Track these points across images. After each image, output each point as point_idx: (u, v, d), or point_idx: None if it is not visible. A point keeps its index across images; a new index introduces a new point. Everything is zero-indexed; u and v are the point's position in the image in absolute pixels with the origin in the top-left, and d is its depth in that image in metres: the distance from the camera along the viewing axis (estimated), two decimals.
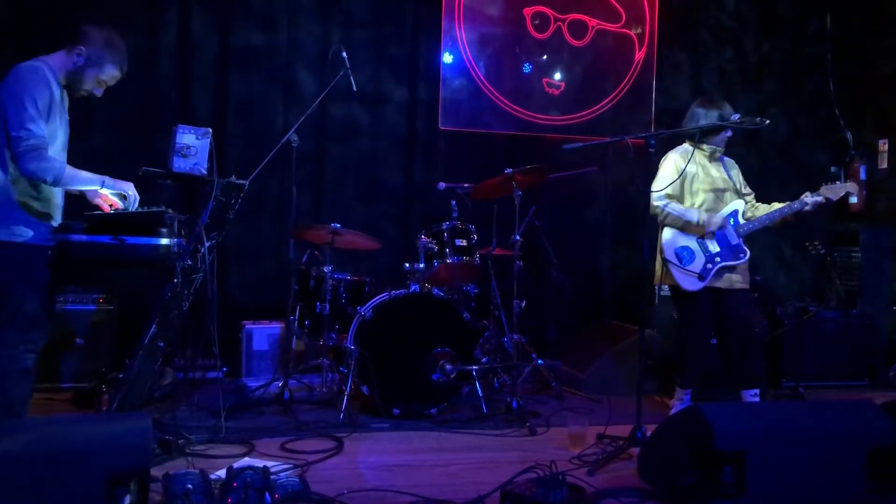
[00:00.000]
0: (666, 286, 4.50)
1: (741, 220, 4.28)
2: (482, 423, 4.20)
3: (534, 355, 5.03)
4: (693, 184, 4.31)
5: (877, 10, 6.41)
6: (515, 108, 5.94)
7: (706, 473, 2.83)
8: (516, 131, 5.95)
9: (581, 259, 5.98)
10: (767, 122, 3.99)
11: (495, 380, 4.92)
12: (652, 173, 4.27)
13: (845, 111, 6.45)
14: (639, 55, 6.17)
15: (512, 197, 4.61)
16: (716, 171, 4.36)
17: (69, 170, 3.20)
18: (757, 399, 4.26)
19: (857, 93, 6.51)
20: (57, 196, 3.35)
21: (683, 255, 4.27)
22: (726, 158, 4.47)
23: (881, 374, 5.61)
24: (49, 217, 3.28)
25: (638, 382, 3.82)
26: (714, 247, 4.25)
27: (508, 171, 4.57)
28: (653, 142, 3.82)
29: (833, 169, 6.49)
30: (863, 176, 6.31)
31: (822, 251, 5.82)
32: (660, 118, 6.19)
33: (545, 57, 6.01)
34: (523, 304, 4.80)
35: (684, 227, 4.26)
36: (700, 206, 4.29)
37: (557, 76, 6.04)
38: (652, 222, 4.34)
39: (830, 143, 6.51)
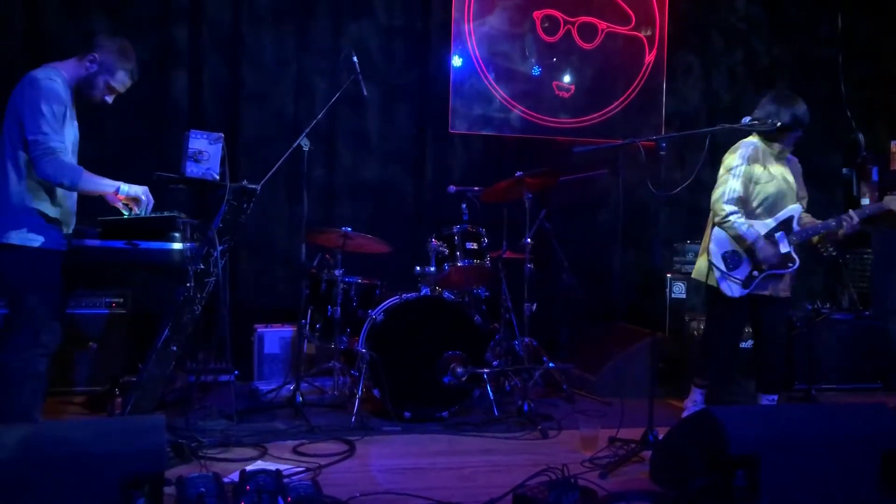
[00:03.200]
0: (682, 284, 4.41)
1: (797, 227, 4.10)
2: (494, 426, 4.20)
3: (545, 358, 5.03)
4: (757, 184, 4.09)
5: (888, 12, 6.38)
6: (525, 110, 5.94)
7: (719, 477, 2.82)
8: (526, 134, 5.95)
9: (592, 262, 5.97)
10: (779, 124, 3.96)
11: (506, 383, 4.92)
12: (663, 176, 4.15)
13: (857, 113, 6.42)
14: (649, 58, 6.16)
15: (522, 200, 4.62)
16: (780, 172, 4.14)
17: (86, 174, 3.22)
18: (774, 405, 4.22)
19: (869, 94, 6.48)
20: (71, 201, 3.39)
21: (730, 260, 4.10)
22: (793, 158, 4.27)
23: (894, 376, 5.58)
24: (62, 223, 3.31)
25: (650, 385, 3.82)
26: None
27: (519, 174, 4.57)
28: (664, 144, 3.81)
29: (845, 171, 6.47)
30: (875, 177, 6.27)
31: (834, 253, 5.80)
32: (670, 120, 6.18)
33: (555, 60, 6.01)
34: (534, 307, 4.80)
35: (737, 239, 4.08)
36: (759, 206, 4.08)
37: (567, 79, 6.04)
38: (662, 226, 4.31)
39: (842, 144, 6.48)
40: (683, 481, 2.95)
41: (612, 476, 3.39)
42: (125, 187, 3.31)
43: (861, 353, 5.45)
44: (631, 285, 6.10)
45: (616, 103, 6.11)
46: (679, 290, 5.49)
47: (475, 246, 4.60)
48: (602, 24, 6.07)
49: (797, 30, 6.45)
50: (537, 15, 5.95)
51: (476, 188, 5.03)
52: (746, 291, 4.07)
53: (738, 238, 4.07)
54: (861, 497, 2.88)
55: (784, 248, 4.07)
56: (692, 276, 4.39)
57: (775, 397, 4.23)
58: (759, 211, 4.11)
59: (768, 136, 4.10)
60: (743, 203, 4.09)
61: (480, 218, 4.86)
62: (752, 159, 4.08)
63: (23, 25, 5.01)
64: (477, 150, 5.88)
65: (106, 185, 3.29)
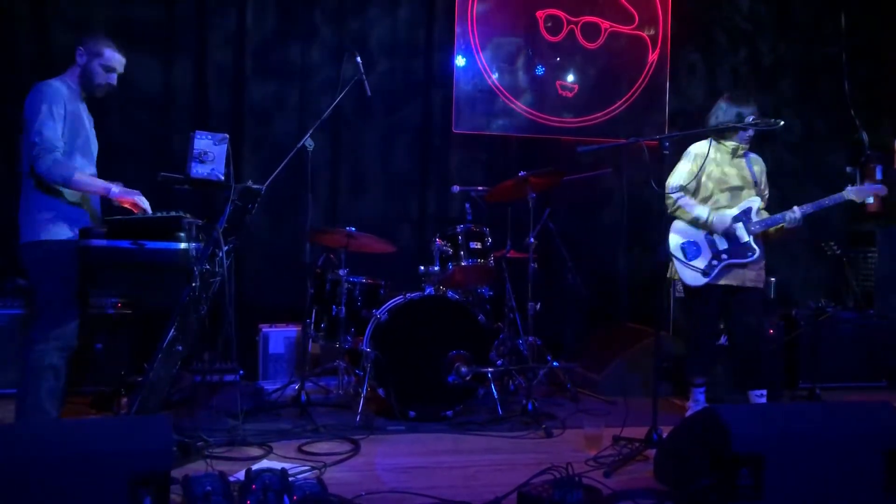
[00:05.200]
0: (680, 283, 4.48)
1: (755, 218, 4.23)
2: (498, 425, 4.21)
3: (549, 357, 5.03)
4: (708, 181, 4.28)
5: (891, 11, 6.37)
6: (529, 110, 5.95)
7: (722, 476, 2.83)
8: (530, 134, 5.95)
9: (596, 261, 5.97)
10: (782, 123, 3.99)
11: (510, 382, 4.93)
12: (667, 175, 4.25)
13: (861, 111, 6.41)
14: (652, 57, 6.16)
15: (526, 199, 4.62)
16: (733, 169, 4.28)
17: (79, 174, 3.37)
18: (763, 400, 4.22)
19: (873, 93, 6.47)
20: (91, 200, 3.56)
21: (688, 250, 4.27)
22: (752, 155, 4.39)
23: None
24: (79, 217, 3.46)
25: (653, 384, 3.82)
26: (722, 243, 4.22)
27: (523, 173, 4.58)
28: (667, 143, 3.82)
29: (849, 169, 6.46)
30: (878, 176, 6.27)
31: (838, 251, 5.80)
32: (674, 119, 6.18)
33: (558, 59, 6.01)
34: (538, 307, 4.80)
35: (692, 222, 4.26)
36: (713, 204, 4.26)
37: (571, 78, 6.04)
38: (667, 222, 4.33)
39: (846, 143, 6.48)
40: (687, 480, 2.96)
41: (616, 475, 3.39)
42: (116, 189, 3.44)
43: (865, 352, 5.46)
44: (635, 284, 6.10)
45: (619, 102, 6.12)
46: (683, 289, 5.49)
47: (479, 245, 4.61)
48: (605, 24, 6.07)
49: (801, 29, 6.44)
50: (540, 15, 5.96)
51: (480, 188, 5.04)
52: (708, 279, 4.19)
53: (694, 221, 4.23)
54: (865, 496, 2.88)
55: (743, 237, 4.20)
56: (667, 276, 4.48)
57: (763, 392, 4.23)
58: (720, 205, 4.26)
59: (720, 136, 4.29)
60: (696, 195, 4.29)
61: (484, 217, 4.87)
62: (700, 157, 4.25)
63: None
64: (480, 149, 5.89)
65: (98, 186, 3.45)
